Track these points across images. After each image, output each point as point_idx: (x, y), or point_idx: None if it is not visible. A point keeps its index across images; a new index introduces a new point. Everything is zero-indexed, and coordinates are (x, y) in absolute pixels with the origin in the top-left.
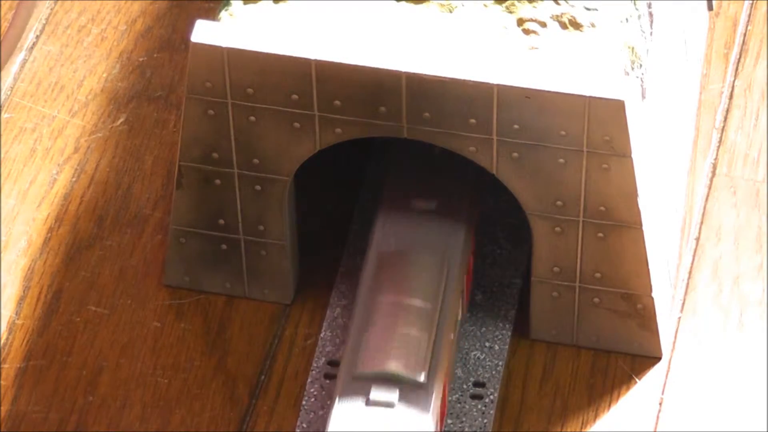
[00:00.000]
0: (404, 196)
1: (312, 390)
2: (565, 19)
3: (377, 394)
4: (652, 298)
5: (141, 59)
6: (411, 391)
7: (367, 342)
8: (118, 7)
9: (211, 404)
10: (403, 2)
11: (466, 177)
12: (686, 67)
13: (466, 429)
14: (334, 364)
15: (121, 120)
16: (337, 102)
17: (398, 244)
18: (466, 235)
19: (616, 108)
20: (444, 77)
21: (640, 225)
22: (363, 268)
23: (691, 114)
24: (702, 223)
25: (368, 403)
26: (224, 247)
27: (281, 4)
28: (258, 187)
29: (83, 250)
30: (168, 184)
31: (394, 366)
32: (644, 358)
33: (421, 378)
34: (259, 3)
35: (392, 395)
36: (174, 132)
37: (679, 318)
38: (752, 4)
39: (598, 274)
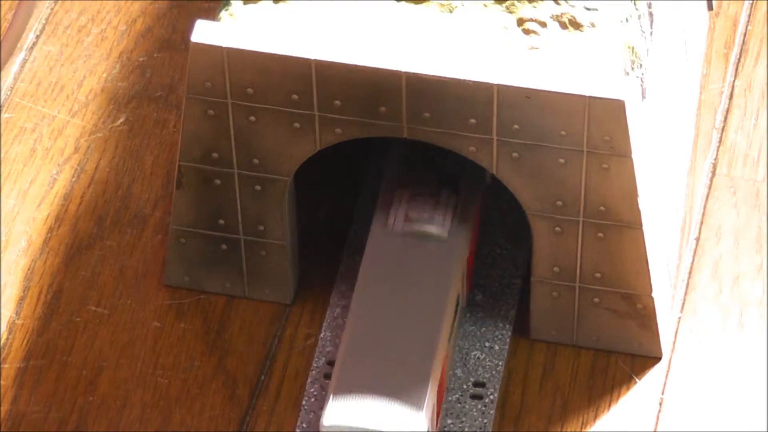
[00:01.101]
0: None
1: (312, 390)
2: (565, 19)
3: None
4: (652, 298)
5: (141, 59)
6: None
7: (397, 204)
8: (118, 7)
9: (211, 404)
10: (403, 2)
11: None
12: (686, 67)
13: (466, 429)
14: (333, 364)
15: (121, 120)
16: (337, 102)
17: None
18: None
19: (616, 108)
20: (444, 77)
21: (640, 225)
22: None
23: (691, 114)
24: (702, 223)
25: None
26: (224, 247)
27: (281, 4)
28: (258, 187)
29: (83, 250)
30: (168, 184)
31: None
32: (644, 358)
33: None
34: (259, 3)
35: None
36: (174, 132)
37: (679, 318)
38: (752, 4)
39: (598, 274)
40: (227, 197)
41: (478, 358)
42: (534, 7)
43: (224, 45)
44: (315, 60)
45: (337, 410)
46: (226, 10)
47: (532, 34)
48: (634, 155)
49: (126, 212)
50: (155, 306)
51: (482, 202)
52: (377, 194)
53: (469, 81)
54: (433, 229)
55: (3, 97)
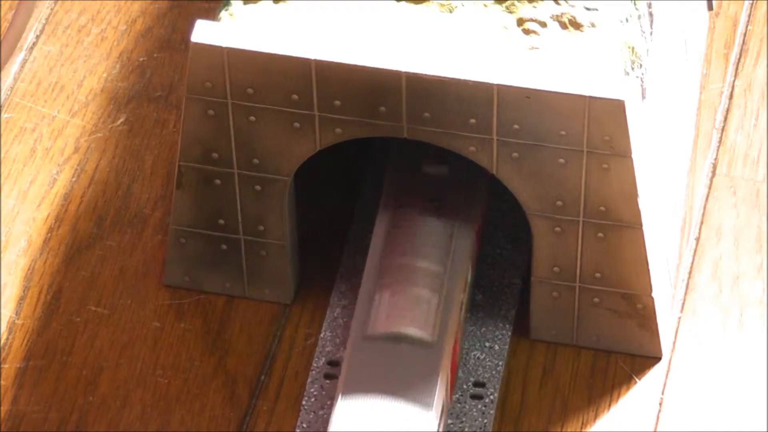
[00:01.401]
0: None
1: (312, 390)
2: (565, 19)
3: (388, 356)
4: (652, 298)
5: (141, 59)
6: (421, 352)
7: (377, 304)
8: (118, 7)
9: (211, 404)
10: (403, 2)
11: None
12: (686, 67)
13: (466, 429)
14: (334, 364)
15: (121, 120)
16: (337, 102)
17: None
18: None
19: (616, 108)
20: (444, 77)
21: (640, 225)
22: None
23: (691, 114)
24: (702, 223)
25: (379, 365)
26: (224, 247)
27: (281, 4)
28: (258, 187)
29: (83, 250)
30: (168, 184)
31: (405, 327)
32: (644, 358)
33: (432, 337)
34: (259, 3)
35: (402, 358)
36: (174, 132)
37: (679, 318)
38: (752, 4)
39: (598, 274)
40: (227, 197)
41: (478, 358)
42: (534, 7)
43: (224, 45)
44: (315, 60)
45: (346, 412)
46: (226, 10)
47: (532, 34)
48: (634, 155)
49: (126, 212)
50: (155, 306)
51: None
52: (377, 195)
53: (469, 81)
54: (414, 331)
55: (3, 97)
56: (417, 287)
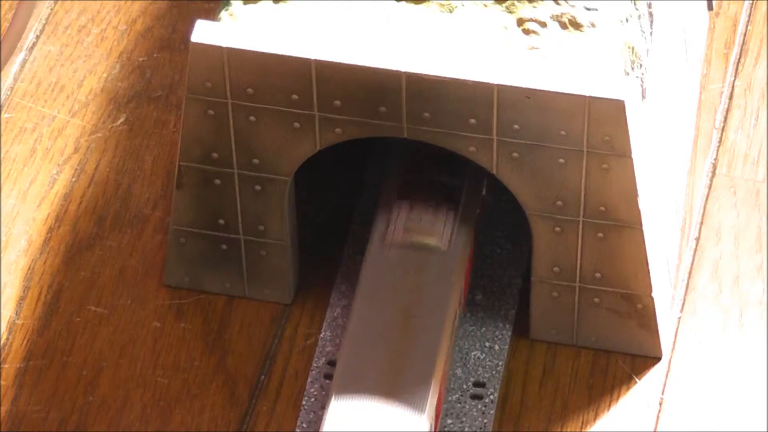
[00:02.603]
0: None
1: (312, 390)
2: (565, 19)
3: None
4: (652, 298)
5: (141, 59)
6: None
7: (396, 215)
8: (118, 7)
9: (211, 404)
10: (403, 2)
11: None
12: (686, 67)
13: (466, 429)
14: (334, 364)
15: (121, 120)
16: (337, 102)
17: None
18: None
19: (616, 108)
20: (444, 77)
21: (640, 225)
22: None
23: (691, 114)
24: (702, 223)
25: (398, 270)
26: (224, 247)
27: (281, 4)
28: (258, 187)
29: (83, 250)
30: (168, 184)
31: (422, 237)
32: (644, 358)
33: (447, 246)
34: (259, 3)
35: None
36: (174, 132)
37: (679, 318)
38: (752, 4)
39: (598, 274)
40: (227, 197)
41: (478, 358)
42: (534, 7)
43: (224, 45)
44: (315, 60)
45: (339, 413)
46: (226, 10)
47: (532, 34)
48: (634, 155)
49: (126, 212)
50: (155, 306)
51: (479, 216)
52: (377, 195)
53: (469, 81)
54: (432, 240)
55: (3, 97)
56: (435, 200)
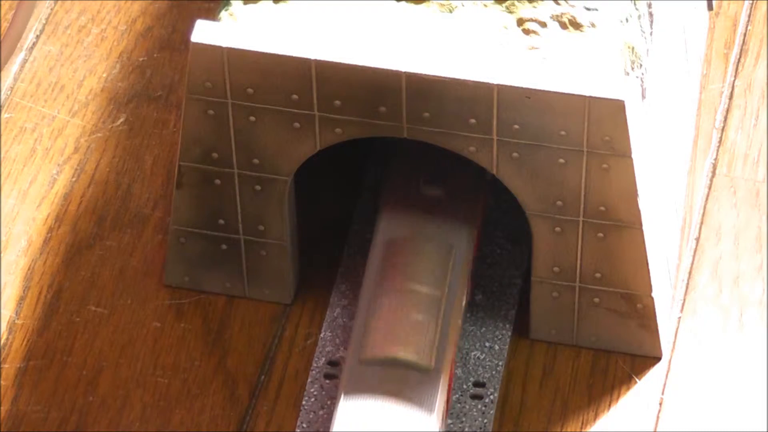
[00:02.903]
0: (408, 187)
1: (312, 390)
2: (565, 19)
3: (385, 381)
4: (652, 298)
5: (141, 59)
6: (418, 378)
7: (374, 327)
8: (118, 7)
9: (211, 404)
10: (403, 2)
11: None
12: (686, 67)
13: (466, 429)
14: (334, 364)
15: (121, 120)
16: (337, 102)
17: (403, 233)
18: (471, 223)
19: (616, 108)
20: (444, 77)
21: (640, 225)
22: (368, 256)
23: (691, 114)
24: (702, 223)
25: (376, 390)
26: (224, 247)
27: (281, 4)
28: (258, 187)
29: (83, 250)
30: (168, 184)
31: (402, 352)
32: (644, 358)
33: (430, 363)
34: (259, 3)
35: (400, 383)
36: (174, 132)
37: (679, 318)
38: (752, 4)
39: (598, 274)
40: (227, 197)
41: (478, 358)
42: (534, 7)
43: (224, 45)
44: (315, 60)
45: (348, 413)
46: (226, 10)
47: (532, 34)
48: (634, 155)
49: (126, 212)
50: (155, 306)
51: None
52: (377, 196)
53: (469, 81)
54: (412, 356)
55: (3, 97)
56: (415, 312)
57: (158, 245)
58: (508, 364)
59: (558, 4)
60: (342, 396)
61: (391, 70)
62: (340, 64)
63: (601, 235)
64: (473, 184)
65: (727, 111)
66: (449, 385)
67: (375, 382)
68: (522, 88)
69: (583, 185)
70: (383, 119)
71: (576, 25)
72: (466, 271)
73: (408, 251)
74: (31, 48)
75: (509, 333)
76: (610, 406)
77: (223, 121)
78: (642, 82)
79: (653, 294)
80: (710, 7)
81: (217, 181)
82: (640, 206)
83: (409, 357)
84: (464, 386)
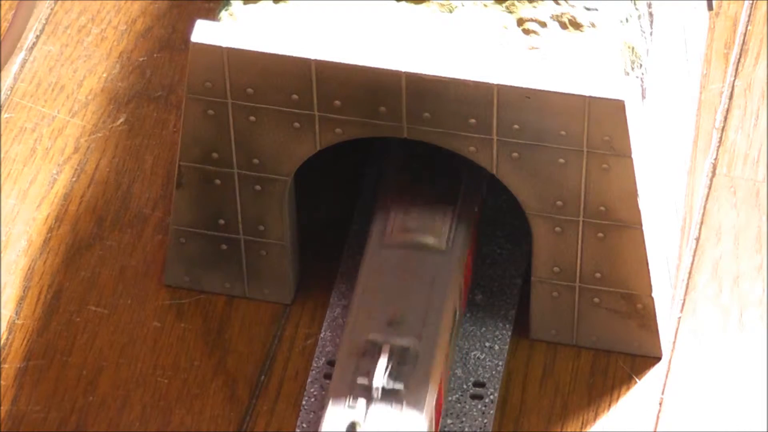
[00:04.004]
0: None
1: (312, 390)
2: (565, 19)
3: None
4: (652, 298)
5: (141, 59)
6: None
7: (394, 215)
8: (118, 7)
9: (211, 404)
10: (403, 2)
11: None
12: (686, 67)
13: (466, 429)
14: (334, 364)
15: (121, 120)
16: (337, 102)
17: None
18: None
19: (616, 108)
20: (444, 77)
21: (640, 225)
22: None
23: (691, 114)
24: (702, 223)
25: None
26: (224, 247)
27: (281, 4)
28: (258, 187)
29: (83, 250)
30: (168, 184)
31: (421, 236)
32: (644, 358)
33: (447, 245)
34: (259, 3)
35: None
36: (174, 132)
37: (679, 318)
38: (752, 4)
39: (598, 274)
40: (227, 197)
41: (478, 358)
42: (534, 7)
43: (224, 45)
44: (315, 60)
45: (338, 411)
46: (226, 10)
47: (532, 34)
48: (634, 155)
49: (126, 212)
50: (155, 306)
51: (479, 215)
52: (377, 195)
53: (469, 81)
54: (430, 239)
55: (3, 97)
56: (432, 199)
57: (158, 245)
58: (508, 364)
59: (558, 4)
60: (361, 278)
61: (391, 70)
62: (340, 64)
63: (601, 235)
64: (472, 183)
65: (727, 111)
66: (439, 401)
67: (394, 263)
68: (522, 88)
69: (583, 185)
70: (383, 119)
71: (576, 25)
72: (460, 281)
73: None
74: (31, 48)
75: (509, 333)
76: (610, 406)
77: (223, 121)
78: (642, 82)
79: (653, 294)
80: (710, 7)
81: (217, 181)
82: (640, 206)
83: (427, 240)
84: (464, 386)
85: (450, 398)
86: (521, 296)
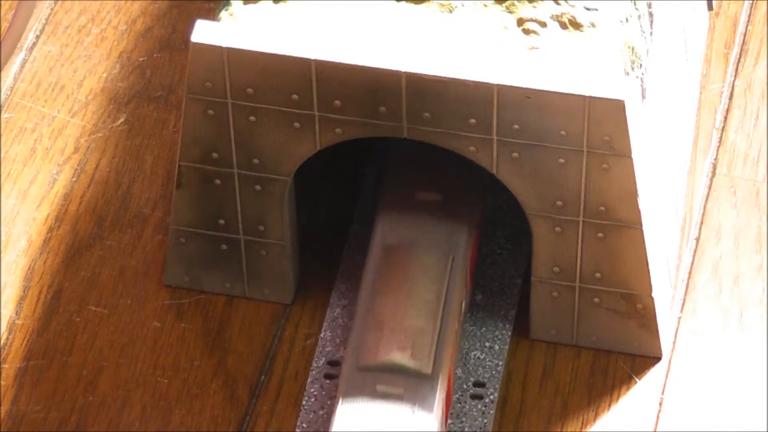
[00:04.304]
0: (407, 188)
1: (312, 390)
2: (565, 19)
3: (383, 386)
4: (652, 298)
5: (141, 59)
6: (417, 382)
7: (372, 334)
8: (118, 7)
9: (211, 404)
10: (403, 2)
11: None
12: (686, 67)
13: (466, 429)
14: (334, 364)
15: (121, 120)
16: (337, 102)
17: (401, 236)
18: (470, 224)
19: (616, 108)
20: (444, 77)
21: (640, 225)
22: (366, 259)
23: (691, 114)
24: (702, 223)
25: (375, 395)
26: (224, 247)
27: (281, 4)
28: (258, 187)
29: (83, 250)
30: (168, 184)
31: (400, 357)
32: (644, 358)
33: (428, 369)
34: (259, 3)
35: (398, 388)
36: (174, 132)
37: (679, 318)
38: (752, 4)
39: (598, 274)
40: (227, 197)
41: (478, 358)
42: (534, 7)
43: (224, 45)
44: (315, 60)
45: (347, 412)
46: (226, 10)
47: (532, 34)
48: (634, 155)
49: (126, 212)
50: (155, 306)
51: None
52: (377, 194)
53: (469, 81)
54: (410, 362)
55: (3, 97)
56: (413, 317)
57: (158, 245)
58: (508, 364)
59: (558, 4)
60: (340, 401)
61: (391, 70)
62: (339, 64)
63: (601, 235)
64: (472, 185)
65: (727, 111)
66: (449, 389)
67: (373, 387)
68: (522, 88)
69: (583, 185)
70: (383, 119)
71: (576, 25)
72: (465, 275)
73: (405, 257)
74: (31, 48)
75: (509, 333)
76: (610, 406)
77: (223, 121)
78: (642, 82)
79: (653, 294)
80: (710, 7)
81: (217, 181)
82: (640, 206)
83: (406, 362)
84: (464, 386)
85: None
86: (521, 296)
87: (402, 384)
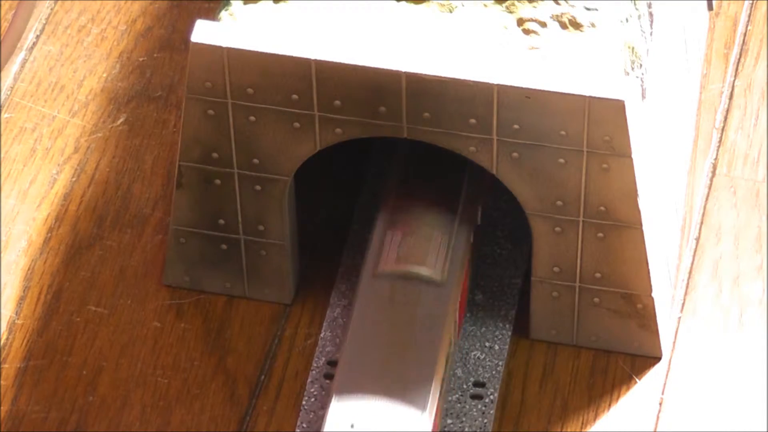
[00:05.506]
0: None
1: (312, 390)
2: (565, 19)
3: (398, 294)
4: (652, 298)
5: (141, 59)
6: (430, 290)
7: (388, 242)
8: (118, 7)
9: (211, 404)
10: (403, 2)
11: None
12: (686, 67)
13: (466, 429)
14: (334, 364)
15: (121, 120)
16: (337, 102)
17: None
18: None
19: (616, 108)
20: (444, 77)
21: (640, 225)
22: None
23: (691, 114)
24: (702, 223)
25: (389, 302)
26: (224, 247)
27: (281, 4)
28: (258, 187)
29: (83, 250)
30: (168, 184)
31: (415, 266)
32: (644, 358)
33: (442, 276)
34: (259, 3)
35: (412, 295)
36: (174, 132)
37: (679, 318)
38: (752, 4)
39: (598, 274)
40: (227, 197)
41: (478, 358)
42: (534, 7)
43: (224, 45)
44: (315, 60)
45: (340, 412)
46: (226, 10)
47: (532, 34)
48: (634, 155)
49: (126, 212)
50: (155, 306)
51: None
52: (377, 194)
53: (469, 81)
54: (424, 270)
55: (3, 97)
56: (428, 227)
57: (158, 245)
58: (508, 364)
59: (558, 4)
60: (356, 309)
61: (391, 70)
62: (340, 64)
63: (601, 235)
64: (472, 184)
65: (727, 111)
66: (463, 297)
67: (388, 294)
68: (522, 88)
69: (583, 185)
70: (383, 119)
71: (576, 25)
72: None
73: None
74: (31, 48)
75: (509, 333)
76: (610, 406)
77: (223, 121)
78: (642, 82)
79: (653, 294)
80: (710, 7)
81: (217, 181)
82: (640, 206)
83: (422, 271)
84: (464, 386)
85: (450, 398)
86: (521, 296)
87: (416, 291)
